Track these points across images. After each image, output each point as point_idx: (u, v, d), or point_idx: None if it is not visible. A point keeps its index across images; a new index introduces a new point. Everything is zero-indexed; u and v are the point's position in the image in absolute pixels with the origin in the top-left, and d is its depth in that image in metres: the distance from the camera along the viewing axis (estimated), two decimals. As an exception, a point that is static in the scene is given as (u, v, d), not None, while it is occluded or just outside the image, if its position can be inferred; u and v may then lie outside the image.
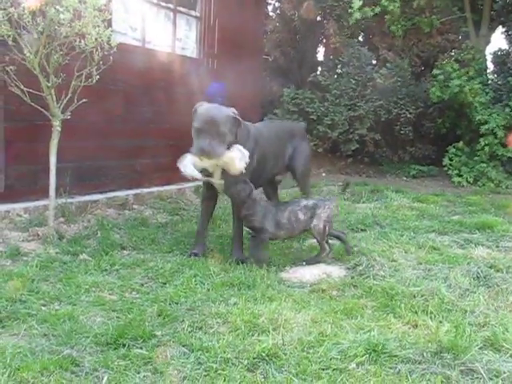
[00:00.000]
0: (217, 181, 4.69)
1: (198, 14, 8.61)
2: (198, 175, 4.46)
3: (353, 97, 11.28)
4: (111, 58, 4.97)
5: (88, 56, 4.83)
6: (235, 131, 4.48)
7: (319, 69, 13.18)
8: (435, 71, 10.75)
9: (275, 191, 5.77)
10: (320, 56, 13.90)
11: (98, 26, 4.73)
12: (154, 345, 2.88)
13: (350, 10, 10.97)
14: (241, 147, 4.47)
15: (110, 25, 5.49)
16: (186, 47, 8.52)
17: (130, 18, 7.35)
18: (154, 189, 7.23)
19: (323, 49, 13.84)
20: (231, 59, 8.94)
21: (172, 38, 8.13)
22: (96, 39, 4.74)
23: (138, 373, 2.59)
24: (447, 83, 10.38)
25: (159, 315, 3.27)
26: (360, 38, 12.65)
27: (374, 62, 12.07)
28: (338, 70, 12.44)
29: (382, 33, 11.93)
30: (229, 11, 9.04)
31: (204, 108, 4.48)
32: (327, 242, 4.55)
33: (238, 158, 4.41)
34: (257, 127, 5.19)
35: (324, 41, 13.69)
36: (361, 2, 10.65)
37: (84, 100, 4.97)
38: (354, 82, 11.39)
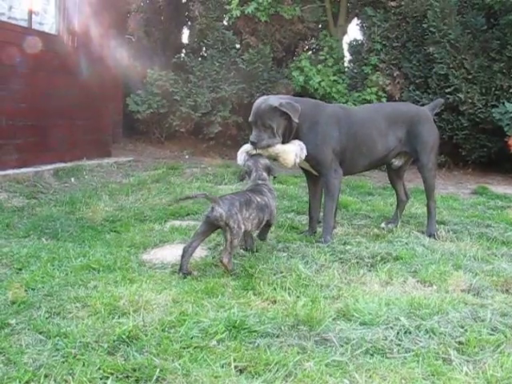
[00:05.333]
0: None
1: (58, -13, 8.22)
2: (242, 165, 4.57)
3: (216, 79, 11.34)
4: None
5: None
6: (284, 122, 4.52)
7: (184, 51, 13.08)
8: (294, 73, 11.09)
9: (399, 178, 5.58)
10: (185, 38, 13.81)
11: None
12: (8, 334, 2.75)
13: (227, 7, 11.18)
14: (301, 142, 4.57)
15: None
16: (44, 22, 8.11)
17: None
18: (10, 171, 6.87)
19: (188, 31, 13.74)
20: (93, 37, 8.66)
21: (28, 12, 7.70)
22: None
23: (-11, 365, 2.45)
24: (308, 80, 10.82)
25: (14, 303, 3.11)
26: (225, 22, 12.70)
27: (238, 45, 12.19)
28: (203, 53, 12.43)
29: (245, 17, 12.06)
30: (90, -14, 8.73)
31: (257, 101, 4.62)
32: None
33: (292, 152, 4.49)
34: (346, 109, 5.38)
35: (189, 23, 13.58)
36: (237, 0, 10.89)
37: None
38: (217, 64, 11.44)
